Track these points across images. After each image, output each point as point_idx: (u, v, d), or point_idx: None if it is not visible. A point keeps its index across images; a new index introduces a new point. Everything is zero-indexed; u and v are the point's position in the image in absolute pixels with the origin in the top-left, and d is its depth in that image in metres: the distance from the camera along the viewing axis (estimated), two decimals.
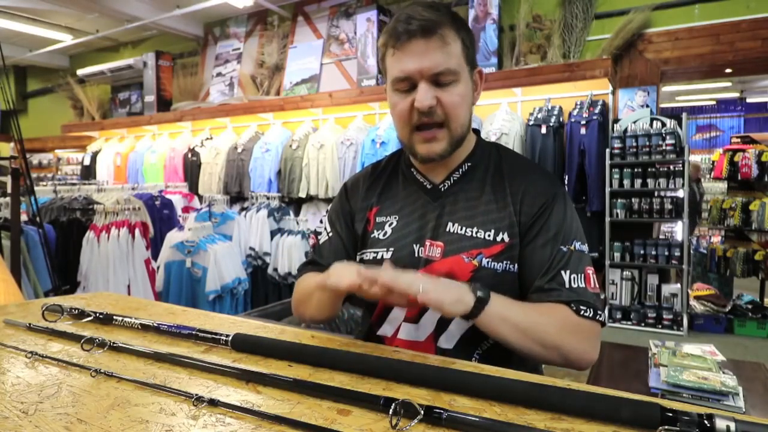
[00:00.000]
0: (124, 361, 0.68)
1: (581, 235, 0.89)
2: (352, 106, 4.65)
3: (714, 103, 9.87)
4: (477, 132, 1.01)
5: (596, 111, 3.71)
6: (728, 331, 3.64)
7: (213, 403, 0.53)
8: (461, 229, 0.88)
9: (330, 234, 1.03)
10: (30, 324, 0.83)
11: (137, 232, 3.04)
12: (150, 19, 5.61)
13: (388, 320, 0.93)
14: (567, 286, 0.83)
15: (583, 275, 0.85)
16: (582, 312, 0.81)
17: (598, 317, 0.82)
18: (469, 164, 0.94)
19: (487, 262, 0.86)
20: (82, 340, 0.72)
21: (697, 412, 0.47)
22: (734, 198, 4.20)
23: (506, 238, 0.86)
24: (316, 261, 1.03)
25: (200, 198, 4.70)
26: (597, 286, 0.87)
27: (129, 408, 0.54)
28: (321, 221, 1.02)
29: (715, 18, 3.66)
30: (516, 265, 0.87)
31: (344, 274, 0.75)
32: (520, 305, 0.80)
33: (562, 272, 0.84)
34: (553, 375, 0.81)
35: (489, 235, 0.87)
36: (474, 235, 0.87)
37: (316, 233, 1.04)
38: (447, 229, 0.89)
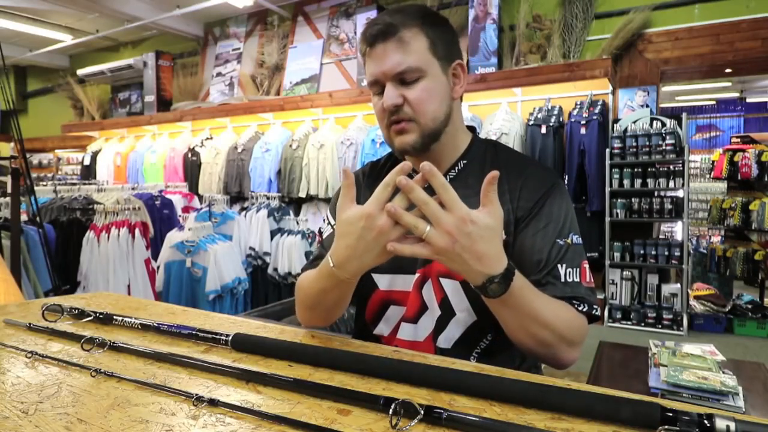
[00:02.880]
0: (124, 361, 0.68)
1: (576, 227, 0.88)
2: (352, 106, 4.65)
3: (714, 103, 9.87)
4: (473, 130, 1.00)
5: (596, 111, 3.71)
6: (728, 331, 3.64)
7: (213, 403, 0.53)
8: None
9: (335, 226, 1.00)
10: (30, 324, 0.83)
11: (137, 232, 3.04)
12: (150, 19, 5.61)
13: (385, 319, 0.93)
14: (562, 280, 0.82)
15: (578, 269, 0.84)
16: (577, 306, 0.80)
17: (593, 311, 0.82)
18: (464, 162, 0.94)
19: None
20: (82, 340, 0.72)
21: (697, 412, 0.47)
22: (734, 198, 4.20)
23: (503, 236, 0.86)
24: (323, 255, 0.99)
25: (200, 198, 4.70)
26: (591, 280, 0.86)
27: (129, 408, 0.54)
28: (324, 220, 1.01)
29: (715, 18, 3.66)
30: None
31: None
32: (540, 296, 0.76)
33: (559, 266, 0.83)
34: (552, 375, 0.81)
35: None
36: None
37: (320, 231, 1.02)
38: None
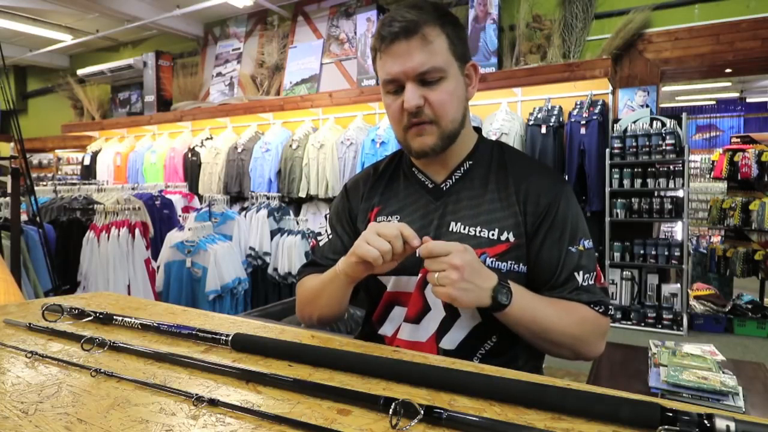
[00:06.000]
0: (124, 361, 0.68)
1: (586, 231, 0.90)
2: (352, 106, 4.65)
3: (714, 103, 9.87)
4: (478, 130, 1.00)
5: (596, 111, 3.71)
6: (728, 331, 3.64)
7: (213, 402, 0.53)
8: (464, 229, 0.88)
9: (330, 236, 1.04)
10: (30, 324, 0.82)
11: (137, 232, 3.03)
12: (150, 19, 5.60)
13: (389, 319, 0.93)
14: (580, 286, 0.86)
15: (594, 273, 0.88)
16: (595, 309, 0.85)
17: (609, 311, 0.87)
18: (470, 162, 0.94)
19: (492, 262, 0.85)
20: (82, 340, 0.72)
21: (697, 412, 0.47)
22: (734, 198, 4.20)
23: (511, 238, 0.86)
24: (317, 262, 1.03)
25: (200, 198, 4.70)
26: (605, 280, 0.91)
27: (129, 408, 0.54)
28: (325, 218, 1.03)
29: (715, 18, 3.66)
30: (521, 265, 0.87)
31: (373, 242, 0.77)
32: (542, 305, 0.82)
33: (575, 274, 0.86)
34: (552, 375, 0.82)
35: (493, 234, 0.87)
36: (478, 234, 0.87)
37: (316, 236, 1.05)
38: (450, 229, 0.89)
